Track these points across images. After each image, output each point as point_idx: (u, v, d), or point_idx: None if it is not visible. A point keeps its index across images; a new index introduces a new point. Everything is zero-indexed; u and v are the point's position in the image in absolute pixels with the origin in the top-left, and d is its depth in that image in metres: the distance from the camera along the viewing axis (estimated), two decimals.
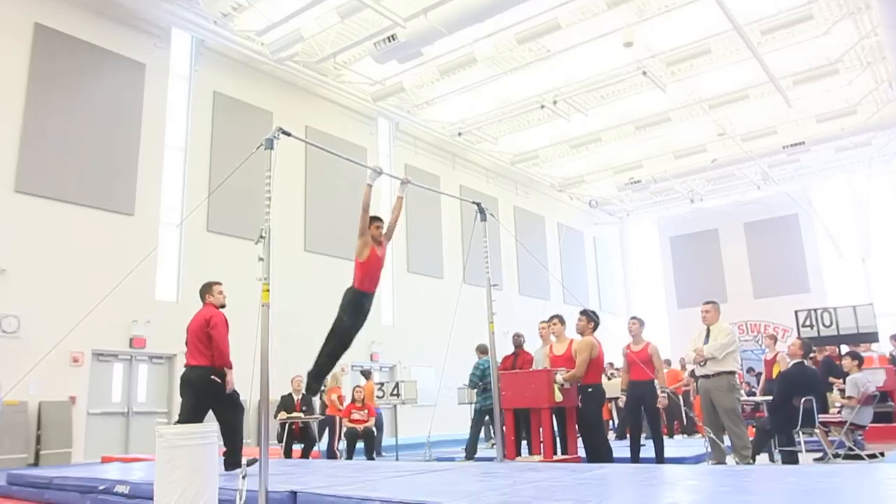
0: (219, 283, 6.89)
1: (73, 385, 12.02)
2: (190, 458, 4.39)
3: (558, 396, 7.17)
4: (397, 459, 10.98)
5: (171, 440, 4.43)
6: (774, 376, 11.21)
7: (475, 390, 10.18)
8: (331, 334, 6.36)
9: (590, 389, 7.41)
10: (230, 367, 6.59)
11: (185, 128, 14.75)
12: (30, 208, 11.97)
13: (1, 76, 12.00)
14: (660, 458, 7.66)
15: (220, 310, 6.73)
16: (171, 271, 13.94)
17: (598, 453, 7.28)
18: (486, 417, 9.90)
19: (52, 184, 12.28)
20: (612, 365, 14.75)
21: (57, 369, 11.51)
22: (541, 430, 7.39)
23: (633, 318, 8.19)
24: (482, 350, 10.52)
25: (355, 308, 6.32)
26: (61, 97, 12.65)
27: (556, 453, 7.45)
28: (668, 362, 15.72)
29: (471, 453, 9.83)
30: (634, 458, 7.67)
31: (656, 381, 7.70)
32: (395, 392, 11.27)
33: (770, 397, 8.83)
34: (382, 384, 11.54)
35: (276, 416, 10.29)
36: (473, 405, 10.49)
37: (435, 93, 18.11)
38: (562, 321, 7.98)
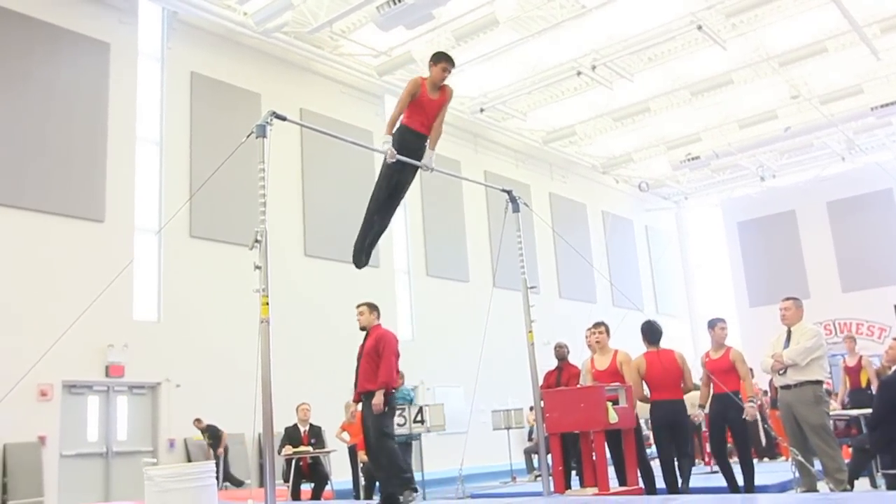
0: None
1: (42, 423, 12.18)
2: (185, 502, 4.44)
3: (613, 417, 7.16)
4: (424, 498, 11.00)
5: (161, 483, 4.49)
6: (864, 385, 11.14)
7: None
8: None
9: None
10: None
11: (160, 117, 14.92)
12: None
13: None
14: (748, 486, 7.59)
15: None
16: (150, 286, 14.10)
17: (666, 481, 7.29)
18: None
19: (5, 189, 12.45)
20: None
21: (22, 405, 11.58)
22: (593, 457, 7.39)
23: (721, 320, 8.10)
24: None
25: (400, 144, 6.64)
26: (12, 86, 12.83)
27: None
28: (751, 371, 15.60)
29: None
30: (732, 486, 7.63)
31: (746, 393, 7.70)
32: (418, 418, 11.27)
33: (866, 411, 8.73)
34: (403, 409, 11.57)
35: (280, 452, 10.36)
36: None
37: None
38: (607, 329, 8.05)
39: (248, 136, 5.58)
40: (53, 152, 13.12)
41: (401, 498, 6.92)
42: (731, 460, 7.92)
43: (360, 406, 7.60)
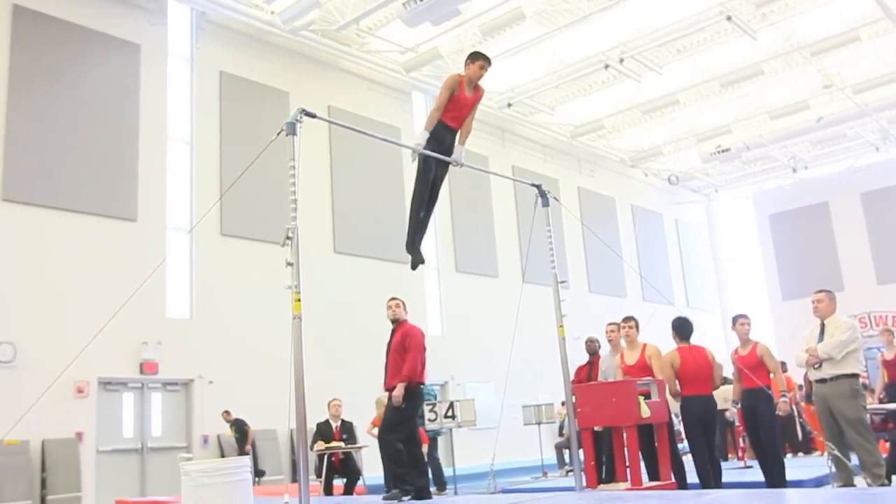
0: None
1: (79, 419, 12.40)
2: (221, 497, 4.49)
3: (645, 411, 7.12)
4: (456, 493, 11.03)
5: (197, 478, 4.54)
6: None
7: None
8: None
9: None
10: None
11: (190, 116, 15.07)
12: (17, 219, 12.38)
13: None
14: (778, 481, 7.53)
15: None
16: (182, 284, 14.26)
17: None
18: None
19: (40, 189, 12.67)
20: None
21: (60, 402, 11.83)
22: (625, 452, 7.36)
23: (742, 316, 8.10)
24: None
25: (434, 139, 6.74)
26: (46, 89, 13.03)
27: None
28: (784, 365, 15.44)
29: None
30: (769, 481, 7.59)
31: (776, 388, 7.62)
32: (449, 413, 11.30)
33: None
34: (434, 404, 11.60)
35: (312, 447, 10.42)
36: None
37: None
38: (636, 324, 8.06)
39: (278, 134, 5.62)
40: (86, 153, 13.30)
41: (387, 493, 6.97)
42: None
43: None
